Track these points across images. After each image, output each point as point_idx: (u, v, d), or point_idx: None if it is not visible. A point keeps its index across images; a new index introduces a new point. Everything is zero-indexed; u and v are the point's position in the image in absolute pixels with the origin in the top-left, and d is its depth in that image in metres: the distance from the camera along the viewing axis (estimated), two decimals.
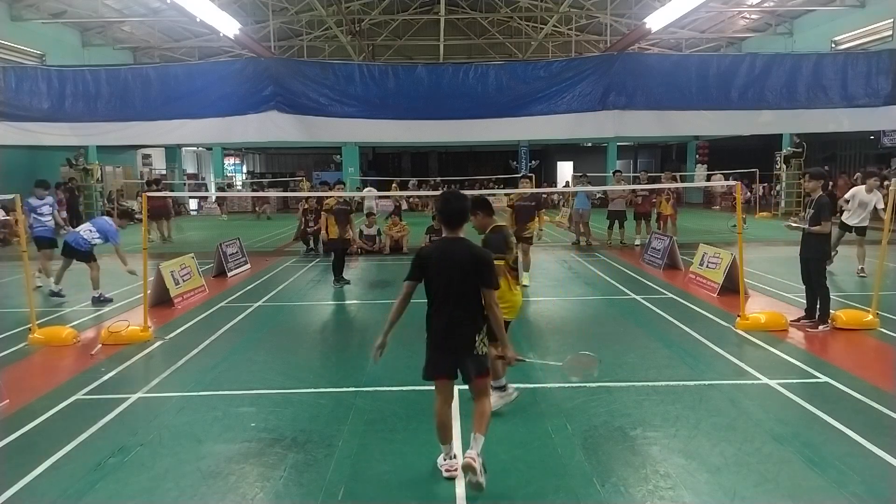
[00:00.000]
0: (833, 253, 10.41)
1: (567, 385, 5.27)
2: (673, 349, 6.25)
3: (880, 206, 10.00)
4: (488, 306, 3.50)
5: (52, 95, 12.54)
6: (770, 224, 18.75)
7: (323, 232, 10.26)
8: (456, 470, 3.60)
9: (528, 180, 11.17)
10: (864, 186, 10.12)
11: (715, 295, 8.72)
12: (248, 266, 11.81)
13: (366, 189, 17.95)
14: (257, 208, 26.20)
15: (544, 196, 28.40)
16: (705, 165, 29.86)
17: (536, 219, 9.68)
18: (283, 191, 29.60)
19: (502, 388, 4.69)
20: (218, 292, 9.54)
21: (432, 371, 3.59)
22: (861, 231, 10.10)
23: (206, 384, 5.39)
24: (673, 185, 14.57)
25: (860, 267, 10.13)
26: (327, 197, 10.23)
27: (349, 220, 9.98)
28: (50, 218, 9.86)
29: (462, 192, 3.89)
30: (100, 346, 6.45)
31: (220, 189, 31.07)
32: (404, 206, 25.37)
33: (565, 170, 35.65)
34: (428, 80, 12.81)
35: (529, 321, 7.68)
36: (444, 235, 3.63)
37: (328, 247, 10.27)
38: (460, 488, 3.55)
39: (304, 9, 24.05)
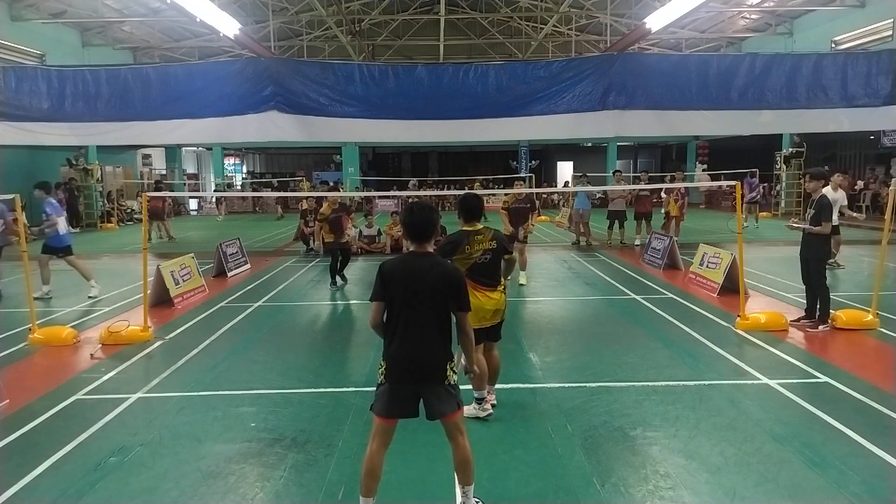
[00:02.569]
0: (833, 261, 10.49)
1: (567, 385, 5.28)
2: (673, 349, 6.25)
3: (844, 203, 10.06)
4: (462, 331, 3.20)
5: (52, 95, 12.53)
6: (770, 224, 18.75)
7: (318, 241, 10.48)
8: None
9: (521, 182, 11.14)
10: (829, 186, 10.13)
11: (715, 295, 8.72)
12: (248, 266, 11.81)
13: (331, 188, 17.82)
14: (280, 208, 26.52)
15: (543, 196, 28.57)
16: (705, 165, 29.86)
17: (532, 219, 9.77)
18: (283, 191, 29.65)
19: (481, 401, 4.56)
20: (218, 292, 9.54)
21: (388, 408, 3.09)
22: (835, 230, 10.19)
23: (206, 384, 5.39)
24: (675, 185, 14.56)
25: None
26: (326, 198, 10.28)
27: (344, 226, 10.01)
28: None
29: (428, 203, 3.48)
30: (100, 346, 6.45)
31: (219, 189, 31.10)
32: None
33: (565, 170, 35.64)
34: (428, 80, 12.79)
35: (530, 321, 7.68)
36: (410, 249, 3.25)
37: (327, 248, 10.27)
38: (460, 488, 3.54)
39: (304, 9, 24.04)
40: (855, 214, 10.59)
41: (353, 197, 17.36)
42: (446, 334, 3.14)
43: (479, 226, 4.49)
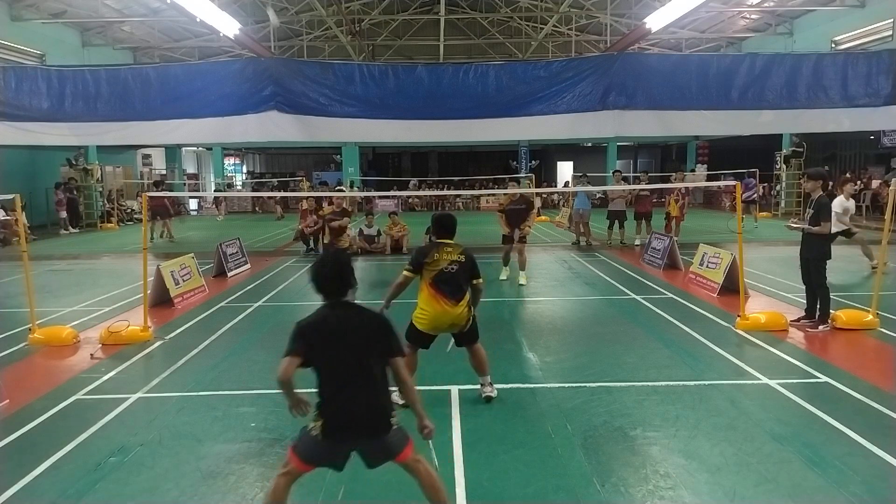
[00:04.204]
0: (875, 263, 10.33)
1: (567, 385, 5.28)
2: (673, 349, 6.25)
3: (853, 210, 10.34)
4: (398, 377, 2.96)
5: (52, 95, 12.52)
6: (770, 224, 18.75)
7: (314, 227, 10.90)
8: None
9: (515, 182, 11.08)
10: (842, 195, 10.20)
11: (715, 295, 8.72)
12: (248, 266, 11.81)
13: (336, 188, 17.87)
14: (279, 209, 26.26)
15: (544, 196, 28.57)
16: (705, 165, 29.84)
17: (529, 220, 9.85)
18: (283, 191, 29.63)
19: None
20: (218, 292, 9.54)
21: (316, 458, 2.94)
22: (852, 234, 10.27)
23: (206, 384, 5.39)
24: (674, 186, 14.57)
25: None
26: (327, 198, 10.36)
27: (342, 231, 10.08)
28: None
29: (339, 254, 3.23)
30: (100, 346, 6.45)
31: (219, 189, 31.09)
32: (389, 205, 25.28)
33: (565, 170, 35.63)
34: (428, 80, 12.79)
35: (530, 321, 7.68)
36: (326, 302, 2.97)
37: (324, 248, 10.37)
38: (460, 488, 3.55)
39: (304, 9, 24.04)
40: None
41: (354, 197, 17.32)
42: (384, 381, 2.96)
43: (450, 241, 4.72)
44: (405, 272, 4.66)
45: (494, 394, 4.86)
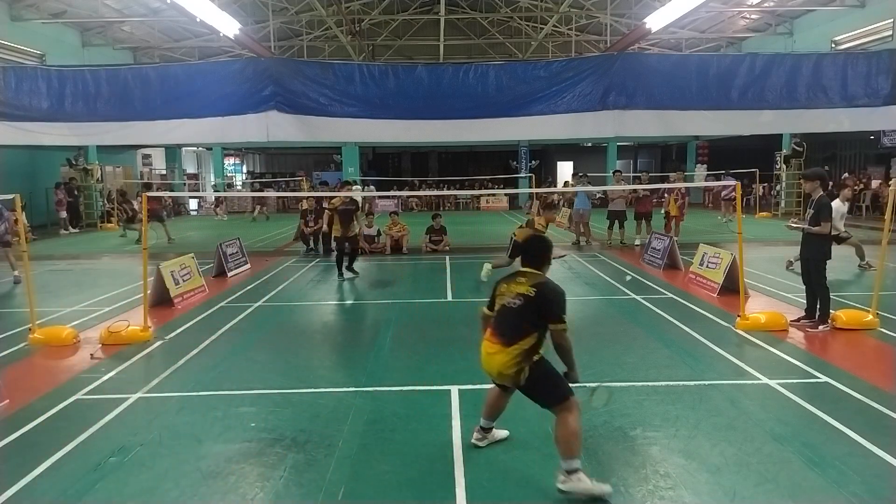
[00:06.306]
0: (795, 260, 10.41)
1: None
2: (673, 349, 6.25)
3: (845, 213, 10.46)
4: None
5: (52, 95, 12.54)
6: (770, 224, 18.74)
7: (325, 229, 11.18)
8: None
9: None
10: (838, 199, 10.21)
11: (715, 295, 8.72)
12: (248, 266, 11.80)
13: (366, 188, 18.17)
14: (257, 210, 25.74)
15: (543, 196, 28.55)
16: (705, 165, 29.84)
17: None
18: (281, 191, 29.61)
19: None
20: (218, 292, 9.54)
21: None
22: (843, 239, 10.25)
23: (206, 384, 5.39)
24: (674, 186, 14.56)
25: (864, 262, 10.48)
26: (330, 197, 10.66)
27: (353, 219, 10.40)
28: None
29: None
30: (100, 346, 6.45)
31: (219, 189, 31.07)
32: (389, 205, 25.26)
33: (565, 170, 35.62)
34: (428, 80, 12.81)
35: None
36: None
37: (337, 241, 10.60)
38: (460, 488, 3.55)
39: (304, 9, 24.04)
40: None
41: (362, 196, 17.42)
42: None
43: (531, 270, 3.76)
44: (482, 309, 3.90)
45: (576, 488, 3.43)
